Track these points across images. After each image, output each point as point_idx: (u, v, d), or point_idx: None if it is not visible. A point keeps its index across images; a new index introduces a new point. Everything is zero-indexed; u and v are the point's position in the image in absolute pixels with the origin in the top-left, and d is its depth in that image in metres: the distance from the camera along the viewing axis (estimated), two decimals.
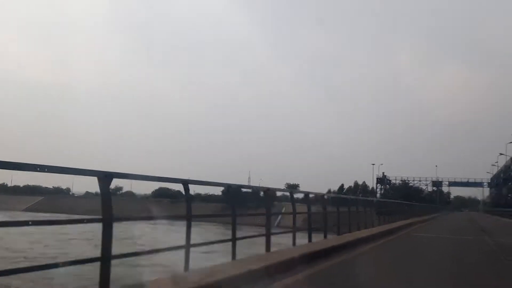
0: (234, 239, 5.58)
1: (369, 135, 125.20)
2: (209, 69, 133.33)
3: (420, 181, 79.21)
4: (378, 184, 77.71)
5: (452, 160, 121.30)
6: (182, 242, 4.66)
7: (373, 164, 75.79)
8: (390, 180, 79.16)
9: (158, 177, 4.91)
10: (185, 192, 4.98)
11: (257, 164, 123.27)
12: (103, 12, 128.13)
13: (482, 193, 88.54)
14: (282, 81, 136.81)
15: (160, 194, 68.75)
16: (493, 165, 64.98)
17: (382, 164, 76.48)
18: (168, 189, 66.03)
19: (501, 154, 50.75)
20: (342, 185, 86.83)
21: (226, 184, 6.04)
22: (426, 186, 79.36)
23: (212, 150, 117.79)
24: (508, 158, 57.46)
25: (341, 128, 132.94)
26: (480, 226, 22.73)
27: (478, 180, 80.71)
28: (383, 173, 77.17)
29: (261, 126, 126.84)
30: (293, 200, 8.07)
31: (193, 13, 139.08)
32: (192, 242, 4.69)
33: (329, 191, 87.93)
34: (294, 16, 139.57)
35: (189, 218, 4.75)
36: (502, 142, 71.82)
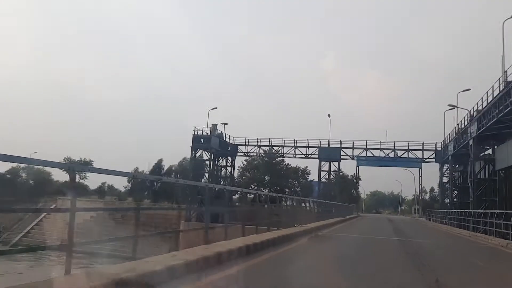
0: None
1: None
2: None
3: (296, 147, 50.85)
4: (202, 152, 47.67)
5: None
6: None
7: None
8: (231, 143, 51.89)
9: None
10: None
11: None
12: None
13: (416, 180, 55.70)
14: None
15: None
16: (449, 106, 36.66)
17: (216, 108, 48.90)
18: None
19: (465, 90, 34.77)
20: (161, 160, 67.17)
21: None
22: (305, 156, 50.90)
23: None
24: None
25: None
26: None
27: (414, 147, 48.50)
28: (213, 126, 47.03)
29: None
30: None
31: None
32: None
33: (135, 171, 65.41)
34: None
35: None
36: None
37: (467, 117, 31.82)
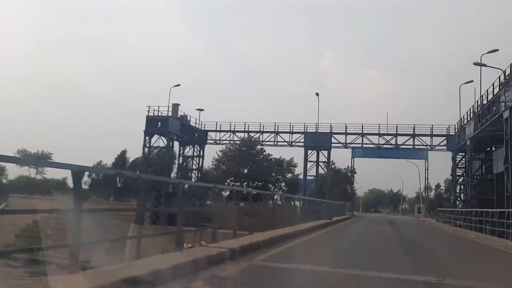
0: None
1: None
2: None
3: (277, 132, 41.78)
4: (159, 138, 38.38)
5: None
6: None
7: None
8: (200, 129, 43.48)
9: None
10: None
11: None
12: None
13: (422, 173, 45.95)
14: None
15: None
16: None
17: (178, 85, 39.51)
18: None
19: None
20: (124, 152, 58.80)
21: None
22: (289, 143, 42.39)
23: None
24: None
25: None
26: None
27: (421, 131, 39.68)
28: (174, 106, 38.64)
29: None
30: None
31: None
32: None
33: (99, 164, 59.76)
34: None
35: None
36: None
37: (499, 82, 23.29)
